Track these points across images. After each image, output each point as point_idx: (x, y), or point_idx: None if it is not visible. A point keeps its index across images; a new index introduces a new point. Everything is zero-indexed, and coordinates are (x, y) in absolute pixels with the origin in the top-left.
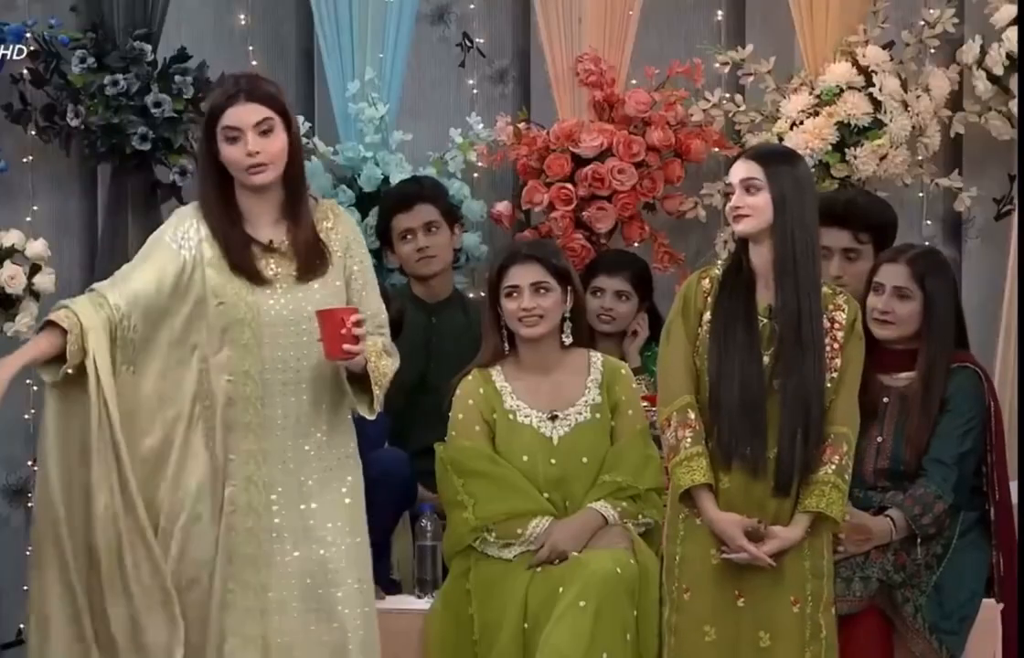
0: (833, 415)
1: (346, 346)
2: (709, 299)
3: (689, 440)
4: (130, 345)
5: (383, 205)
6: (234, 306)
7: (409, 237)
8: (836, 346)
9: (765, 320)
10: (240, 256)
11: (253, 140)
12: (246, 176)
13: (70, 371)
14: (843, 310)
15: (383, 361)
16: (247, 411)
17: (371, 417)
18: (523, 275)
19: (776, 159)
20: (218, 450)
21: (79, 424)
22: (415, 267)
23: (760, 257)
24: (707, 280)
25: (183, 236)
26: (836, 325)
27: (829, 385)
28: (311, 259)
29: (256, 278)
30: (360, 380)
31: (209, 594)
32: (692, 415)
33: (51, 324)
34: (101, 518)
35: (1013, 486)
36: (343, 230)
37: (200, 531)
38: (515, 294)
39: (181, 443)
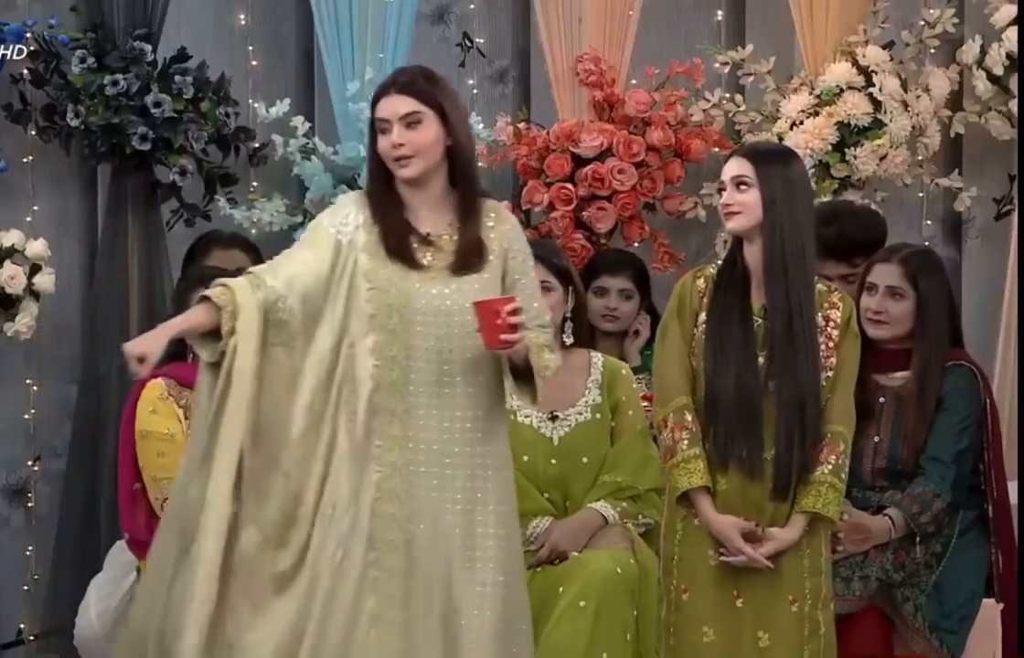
0: (829, 414)
1: (503, 336)
2: (704, 299)
3: (686, 442)
4: (285, 327)
5: None
6: (384, 291)
7: None
8: (831, 345)
9: (760, 320)
10: (397, 241)
11: (399, 132)
12: (395, 167)
13: (224, 350)
14: (838, 308)
15: (545, 355)
16: (393, 397)
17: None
18: None
19: (768, 158)
20: (359, 433)
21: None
22: None
23: (753, 256)
24: (702, 279)
25: (341, 221)
26: (831, 324)
27: (825, 384)
28: (469, 255)
29: (411, 264)
30: (523, 373)
31: (339, 576)
32: (689, 416)
33: (206, 299)
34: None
35: (1012, 486)
36: (503, 230)
37: (338, 515)
38: None
39: (328, 426)
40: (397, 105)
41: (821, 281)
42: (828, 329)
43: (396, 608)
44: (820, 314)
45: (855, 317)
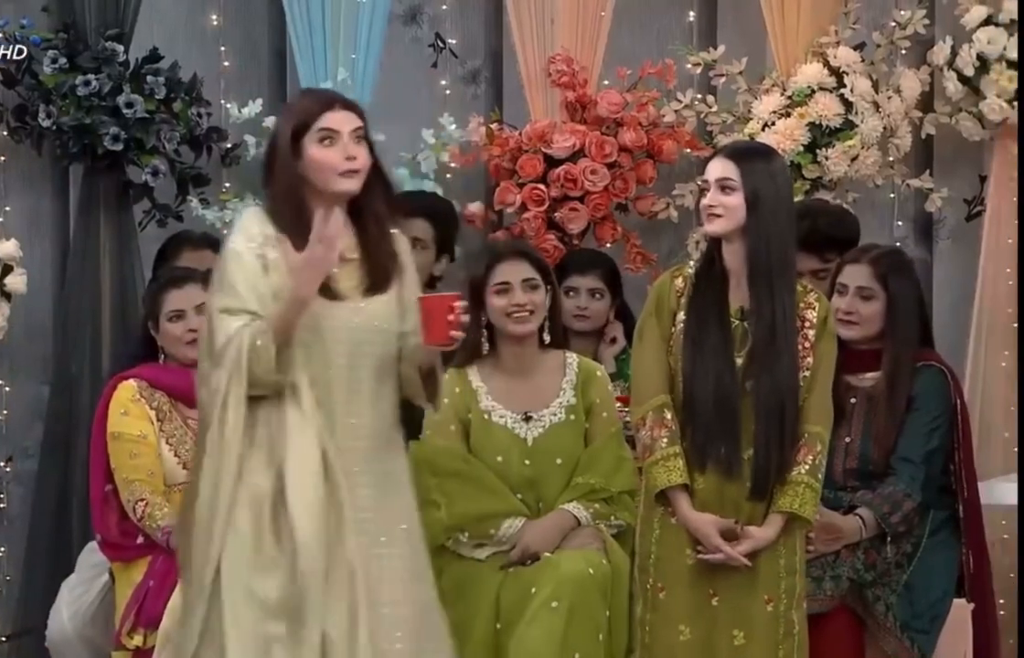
0: (807, 414)
1: (452, 332)
2: (683, 298)
3: (665, 440)
4: None
5: None
6: (311, 315)
7: None
8: (808, 344)
9: (737, 321)
10: None
11: (352, 145)
12: (337, 179)
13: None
14: (814, 308)
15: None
16: (320, 411)
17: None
18: (514, 272)
19: (751, 156)
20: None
21: None
22: None
23: (733, 256)
24: (680, 279)
25: (258, 245)
26: (807, 324)
27: (802, 384)
28: (379, 273)
29: (322, 286)
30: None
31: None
32: (668, 415)
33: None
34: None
35: (983, 486)
36: (403, 249)
37: None
38: (506, 291)
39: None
40: (350, 118)
41: (799, 281)
42: (805, 329)
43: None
44: (797, 314)
45: (832, 316)
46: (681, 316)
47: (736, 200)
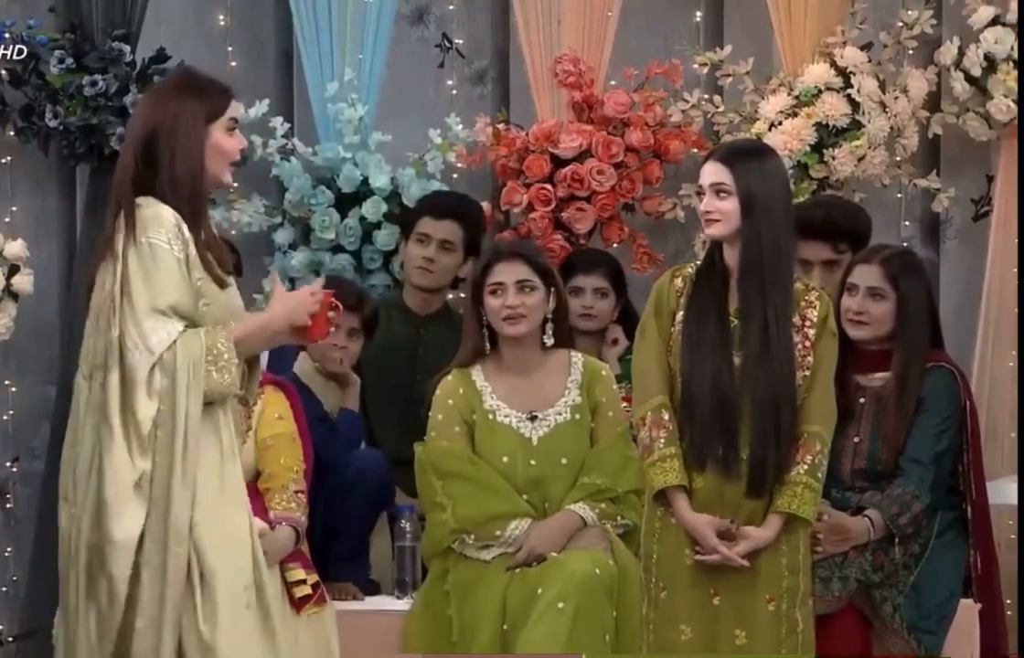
0: (806, 413)
1: (330, 328)
2: (682, 298)
3: (663, 440)
4: None
5: (421, 200)
6: (215, 303)
7: (424, 242)
8: (807, 344)
9: (736, 321)
10: (222, 259)
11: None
12: (228, 170)
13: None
14: (814, 307)
15: None
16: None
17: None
18: (508, 273)
19: (744, 157)
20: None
21: None
22: (413, 272)
23: (733, 257)
24: (680, 279)
25: (180, 243)
26: (807, 323)
27: (801, 384)
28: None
29: (222, 282)
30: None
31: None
32: (666, 415)
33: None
34: None
35: (991, 487)
36: None
37: None
38: (499, 292)
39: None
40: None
41: (800, 279)
42: (805, 328)
43: None
44: (797, 313)
45: (832, 315)
46: (680, 316)
47: (731, 204)
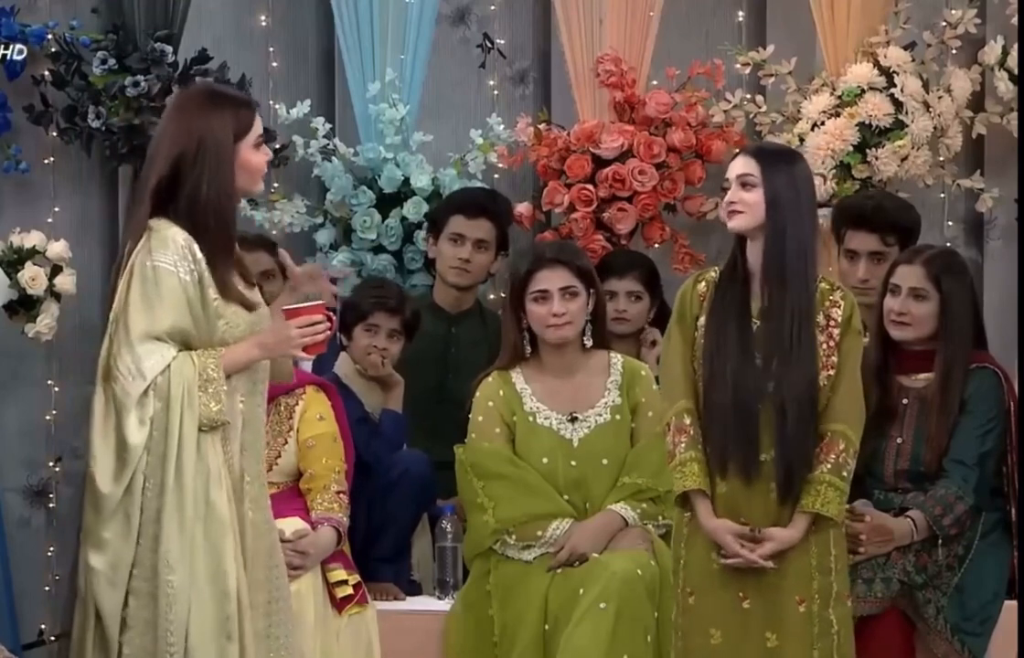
0: (831, 413)
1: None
2: (705, 302)
3: (683, 445)
4: None
5: (450, 198)
6: (236, 327)
7: (458, 242)
8: (832, 343)
9: (759, 322)
10: (247, 281)
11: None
12: (260, 182)
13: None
14: (839, 306)
15: None
16: (252, 432)
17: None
18: (552, 280)
19: (773, 157)
20: (236, 471)
21: None
22: (449, 272)
23: (755, 256)
24: (703, 283)
25: (189, 266)
26: (832, 322)
27: (826, 383)
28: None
29: (248, 304)
30: None
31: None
32: (688, 420)
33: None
34: None
35: None
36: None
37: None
38: (543, 299)
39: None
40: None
41: (824, 279)
42: (829, 328)
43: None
44: (821, 313)
45: (857, 314)
46: (703, 320)
47: (756, 196)
